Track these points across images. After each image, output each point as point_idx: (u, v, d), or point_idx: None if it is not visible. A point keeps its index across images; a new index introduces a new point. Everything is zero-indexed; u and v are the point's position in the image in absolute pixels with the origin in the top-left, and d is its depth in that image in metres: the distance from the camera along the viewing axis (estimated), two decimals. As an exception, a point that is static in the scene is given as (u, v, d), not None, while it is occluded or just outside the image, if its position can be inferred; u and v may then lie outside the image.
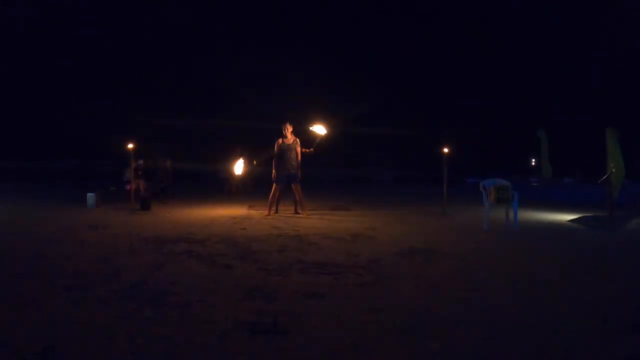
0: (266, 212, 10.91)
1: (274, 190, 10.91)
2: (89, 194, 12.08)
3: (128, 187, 13.05)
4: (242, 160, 13.58)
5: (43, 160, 24.93)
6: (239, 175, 14.39)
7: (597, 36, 26.54)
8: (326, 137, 11.18)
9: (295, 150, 10.88)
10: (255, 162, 11.72)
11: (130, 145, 11.92)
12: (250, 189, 17.06)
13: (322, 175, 22.37)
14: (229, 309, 4.06)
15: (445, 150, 11.98)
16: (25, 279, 5.02)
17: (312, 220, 10.06)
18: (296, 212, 11.11)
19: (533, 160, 20.85)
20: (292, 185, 10.91)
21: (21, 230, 8.33)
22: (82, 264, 5.74)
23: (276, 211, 11.07)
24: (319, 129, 11.11)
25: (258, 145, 15.85)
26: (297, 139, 11.01)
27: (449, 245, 7.35)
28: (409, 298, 4.50)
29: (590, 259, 6.65)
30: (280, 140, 10.89)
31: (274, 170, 10.91)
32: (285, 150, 10.82)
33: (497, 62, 28.72)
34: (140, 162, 13.18)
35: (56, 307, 4.09)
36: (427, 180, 20.94)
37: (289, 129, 10.91)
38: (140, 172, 13.17)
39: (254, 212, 11.35)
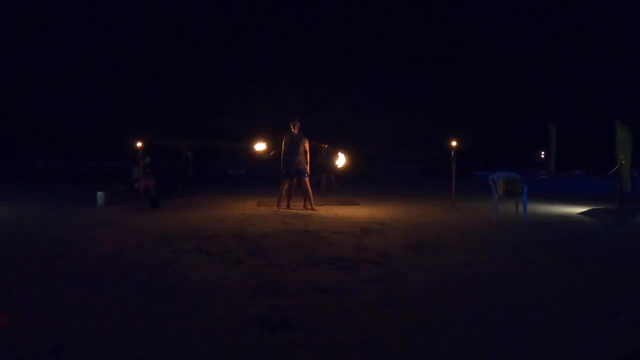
0: (275, 207, 10.94)
1: (282, 186, 10.94)
2: (98, 193, 12.15)
3: (137, 185, 13.11)
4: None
5: (52, 160, 25.11)
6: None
7: (607, 29, 26.38)
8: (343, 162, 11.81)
9: (303, 145, 10.89)
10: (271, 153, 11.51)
11: (139, 144, 11.96)
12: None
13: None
14: (239, 305, 4.08)
15: (454, 144, 11.95)
16: (37, 277, 5.05)
17: (321, 215, 10.07)
18: (305, 207, 11.14)
19: (542, 153, 20.74)
20: (300, 180, 10.94)
21: (32, 229, 8.39)
22: (93, 261, 5.78)
23: (287, 206, 11.10)
24: (341, 160, 11.68)
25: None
26: (304, 135, 11.02)
27: (458, 239, 7.33)
28: (418, 292, 4.50)
29: (601, 251, 6.61)
30: (287, 136, 10.91)
31: (281, 166, 10.94)
32: (292, 145, 10.84)
33: (506, 56, 28.57)
34: (148, 159, 13.23)
35: (68, 304, 4.12)
36: (435, 173, 20.88)
37: (296, 125, 10.93)
38: (148, 170, 13.22)
39: (263, 208, 11.37)
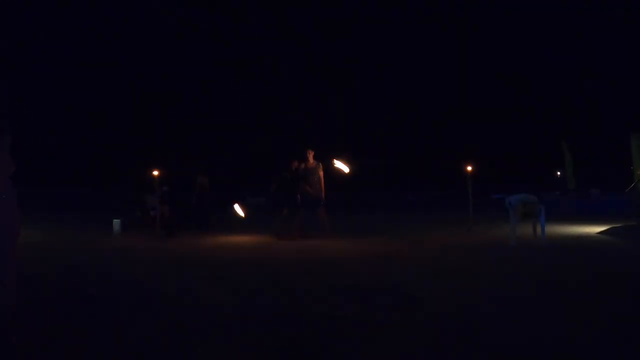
0: (291, 236, 10.87)
1: (299, 214, 10.90)
2: (114, 220, 12.20)
3: (153, 213, 13.15)
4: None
5: (66, 186, 25.32)
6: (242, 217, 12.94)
7: (619, 44, 26.33)
8: (349, 173, 11.41)
9: (318, 174, 10.89)
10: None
11: (155, 172, 12.04)
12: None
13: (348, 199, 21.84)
14: (255, 334, 4.04)
15: (469, 168, 11.87)
16: (54, 303, 5.07)
17: (338, 244, 9.99)
18: (302, 236, 10.92)
19: (558, 172, 20.56)
20: (316, 210, 10.92)
21: (49, 255, 8.43)
22: (108, 288, 5.79)
23: (301, 236, 10.96)
24: (342, 166, 11.28)
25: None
26: (320, 164, 11.02)
27: (476, 264, 7.25)
28: (439, 319, 4.43)
29: (625, 272, 6.49)
30: (302, 165, 10.94)
31: (298, 195, 10.93)
32: (308, 174, 10.85)
33: (518, 75, 28.53)
34: (165, 188, 13.27)
35: (84, 331, 4.12)
36: (450, 197, 20.72)
37: (311, 154, 10.96)
38: (165, 199, 13.24)
39: (279, 237, 11.29)
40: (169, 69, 28.09)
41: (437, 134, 27.19)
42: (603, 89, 27.17)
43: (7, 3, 25.78)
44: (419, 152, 26.00)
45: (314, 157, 11.03)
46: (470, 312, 4.67)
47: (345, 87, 26.90)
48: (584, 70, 27.64)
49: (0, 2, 25.28)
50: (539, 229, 9.53)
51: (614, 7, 26.77)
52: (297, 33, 28.26)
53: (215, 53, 28.10)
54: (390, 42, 29.20)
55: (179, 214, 13.33)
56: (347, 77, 27.26)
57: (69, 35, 27.35)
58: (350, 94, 26.94)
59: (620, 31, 27.02)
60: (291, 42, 27.93)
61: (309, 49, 28.21)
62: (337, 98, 26.25)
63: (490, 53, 28.57)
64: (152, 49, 27.85)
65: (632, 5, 25.50)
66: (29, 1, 27.32)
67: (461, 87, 28.92)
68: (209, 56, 28.15)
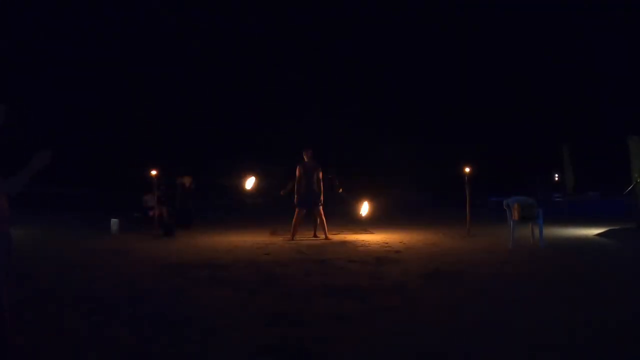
0: (289, 236, 10.89)
1: (296, 215, 10.89)
2: (112, 220, 12.22)
3: (151, 213, 13.18)
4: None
5: (65, 186, 25.30)
6: (248, 190, 12.70)
7: (619, 44, 26.37)
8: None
9: (316, 174, 10.87)
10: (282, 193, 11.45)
11: (154, 172, 12.05)
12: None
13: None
14: (254, 334, 4.05)
15: (467, 169, 11.88)
16: (49, 303, 5.07)
17: (336, 244, 10.02)
18: (315, 236, 11.07)
19: (556, 175, 20.55)
20: (314, 209, 10.91)
21: (46, 254, 8.45)
22: (105, 288, 5.80)
23: (292, 236, 10.97)
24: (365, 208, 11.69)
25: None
26: (318, 164, 11.00)
27: (474, 266, 7.25)
28: (435, 321, 4.45)
29: (621, 275, 6.50)
30: (300, 166, 10.91)
31: (295, 195, 10.91)
32: (306, 175, 10.83)
33: (517, 77, 28.53)
34: (163, 188, 13.31)
35: (80, 331, 4.13)
36: (448, 200, 20.74)
37: (308, 154, 10.93)
38: (163, 199, 13.27)
39: (277, 238, 11.33)
40: (169, 69, 28.08)
41: (436, 135, 27.20)
42: (603, 90, 27.20)
43: (7, 3, 25.76)
44: (418, 154, 26.00)
45: (312, 157, 10.99)
46: (470, 312, 4.68)
47: (345, 87, 26.92)
48: (584, 70, 27.65)
49: (0, 2, 25.26)
50: (537, 232, 9.54)
51: (614, 7, 26.78)
52: (297, 33, 28.23)
53: (215, 53, 28.09)
54: (390, 42, 29.20)
55: (176, 214, 13.40)
56: (346, 77, 27.28)
57: (69, 35, 27.34)
58: (349, 94, 26.95)
59: (620, 31, 27.05)
60: (291, 42, 27.91)
61: (309, 49, 28.21)
62: (336, 97, 26.28)
63: (490, 54, 28.59)
64: (152, 49, 27.83)
65: (632, 5, 25.51)
66: (29, 1, 27.33)
67: (461, 89, 28.94)
68: (209, 56, 28.14)
